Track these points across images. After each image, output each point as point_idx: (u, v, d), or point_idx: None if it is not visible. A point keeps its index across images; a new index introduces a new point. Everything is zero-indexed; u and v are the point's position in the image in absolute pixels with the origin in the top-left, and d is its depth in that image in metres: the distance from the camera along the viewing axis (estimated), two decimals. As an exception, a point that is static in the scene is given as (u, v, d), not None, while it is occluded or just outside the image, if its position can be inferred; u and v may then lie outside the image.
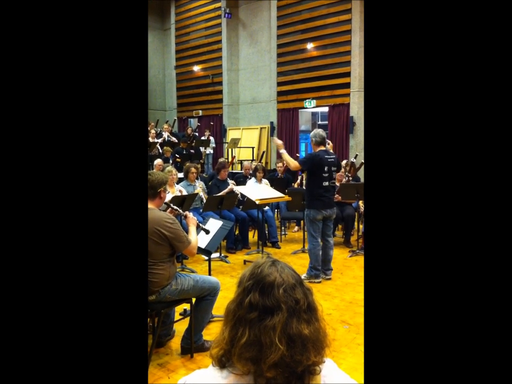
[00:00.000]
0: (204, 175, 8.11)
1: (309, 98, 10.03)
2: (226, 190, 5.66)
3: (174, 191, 5.15)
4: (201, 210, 5.40)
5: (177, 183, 5.52)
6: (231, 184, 5.79)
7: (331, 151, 4.57)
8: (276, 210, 6.94)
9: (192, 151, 9.28)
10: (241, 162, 9.66)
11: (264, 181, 6.22)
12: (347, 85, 9.31)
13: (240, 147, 11.01)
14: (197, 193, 5.37)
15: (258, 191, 5.15)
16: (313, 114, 11.96)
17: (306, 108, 10.28)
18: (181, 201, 4.54)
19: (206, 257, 4.19)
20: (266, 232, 5.85)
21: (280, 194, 5.19)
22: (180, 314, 3.32)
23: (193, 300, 2.81)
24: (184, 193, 5.15)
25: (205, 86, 12.88)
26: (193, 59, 13.15)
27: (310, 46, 9.92)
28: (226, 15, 11.51)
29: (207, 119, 12.65)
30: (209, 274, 3.62)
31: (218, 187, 5.79)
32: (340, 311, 3.59)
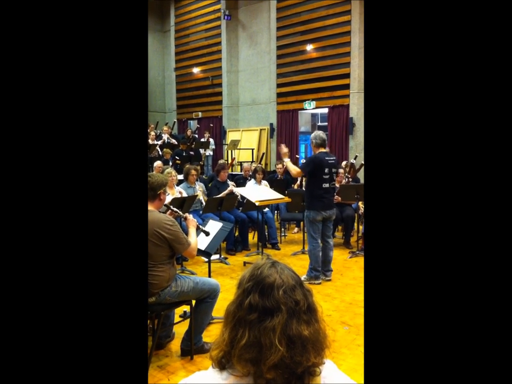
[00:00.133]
0: (203, 176, 8.11)
1: (308, 100, 10.04)
2: (226, 192, 5.66)
3: (173, 193, 5.15)
4: (201, 212, 5.40)
5: (177, 185, 5.52)
6: (231, 186, 5.79)
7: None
8: (276, 211, 6.94)
9: (191, 152, 9.28)
10: (241, 164, 9.67)
11: (264, 182, 6.22)
12: (347, 86, 9.32)
13: (239, 149, 11.02)
14: (197, 195, 5.37)
15: (258, 192, 5.15)
16: (313, 115, 11.97)
17: (306, 109, 10.30)
18: (181, 203, 4.54)
19: (206, 259, 4.19)
20: (266, 233, 5.85)
21: (280, 196, 5.19)
22: (180, 316, 3.32)
23: (193, 302, 2.81)
24: (184, 195, 5.15)
25: (204, 87, 12.90)
26: (192, 61, 13.17)
27: (309, 47, 9.93)
28: (226, 16, 11.53)
29: (206, 120, 12.66)
30: (209, 276, 3.61)
31: (218, 189, 5.79)
32: (339, 312, 3.59)
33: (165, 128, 10.68)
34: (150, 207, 2.64)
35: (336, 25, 9.49)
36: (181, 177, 6.22)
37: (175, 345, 2.96)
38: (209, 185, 6.41)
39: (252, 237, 6.34)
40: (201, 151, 10.19)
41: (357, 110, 9.14)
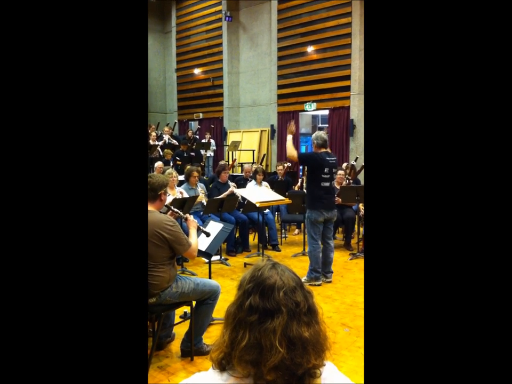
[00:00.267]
0: (204, 177, 8.12)
1: (309, 101, 10.04)
2: (227, 193, 5.66)
3: (174, 193, 5.15)
4: (201, 213, 5.40)
5: (177, 186, 5.52)
6: (232, 187, 5.79)
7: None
8: (276, 213, 6.94)
9: (192, 153, 9.29)
10: (241, 165, 9.67)
11: (264, 183, 6.23)
12: (347, 88, 9.32)
13: (240, 150, 11.02)
14: (198, 196, 5.36)
15: (258, 193, 5.15)
16: (314, 117, 11.96)
17: (307, 110, 10.30)
18: (182, 204, 4.54)
19: (207, 260, 4.19)
20: (267, 235, 5.85)
21: (281, 197, 5.19)
22: (180, 317, 3.32)
23: (194, 303, 2.81)
24: (185, 195, 5.15)
25: (205, 88, 12.90)
26: (194, 62, 13.18)
27: (310, 49, 9.94)
28: (227, 18, 11.54)
29: (207, 121, 12.67)
30: (210, 277, 3.62)
31: (218, 190, 5.80)
32: (340, 314, 3.58)
33: (166, 129, 10.69)
34: (150, 208, 2.64)
35: (336, 27, 9.50)
36: (181, 177, 6.21)
37: (175, 346, 2.95)
38: (210, 186, 6.41)
39: (253, 238, 6.34)
40: (202, 152, 10.19)
41: (357, 111, 9.14)
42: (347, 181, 6.17)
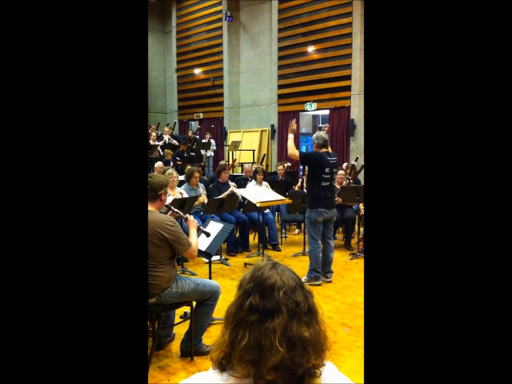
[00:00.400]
0: (204, 177, 8.12)
1: (309, 101, 10.04)
2: (227, 192, 5.66)
3: (174, 193, 5.15)
4: (201, 213, 5.40)
5: (178, 186, 5.52)
6: (232, 186, 5.79)
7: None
8: (277, 213, 6.94)
9: (192, 153, 9.29)
10: (241, 165, 9.67)
11: (264, 183, 6.22)
12: (348, 88, 9.32)
13: (240, 150, 11.02)
14: (198, 196, 5.36)
15: (258, 193, 5.15)
16: (314, 117, 11.96)
17: (307, 110, 10.30)
18: (182, 204, 4.54)
19: (207, 260, 4.19)
20: (267, 234, 5.85)
21: (281, 197, 5.19)
22: (180, 317, 3.32)
23: (194, 303, 2.81)
24: (185, 196, 5.15)
25: (205, 88, 12.91)
26: (194, 62, 13.18)
27: (310, 49, 9.94)
28: (227, 18, 11.54)
29: (207, 121, 12.67)
30: (210, 277, 3.62)
31: (219, 189, 5.79)
32: (340, 314, 3.58)
33: (166, 129, 10.69)
34: (150, 208, 2.65)
35: (337, 27, 9.50)
36: (182, 178, 6.21)
37: (176, 346, 2.95)
38: (210, 186, 6.41)
39: (253, 238, 6.35)
40: (202, 152, 10.19)
41: (358, 111, 9.14)
42: (347, 180, 6.17)
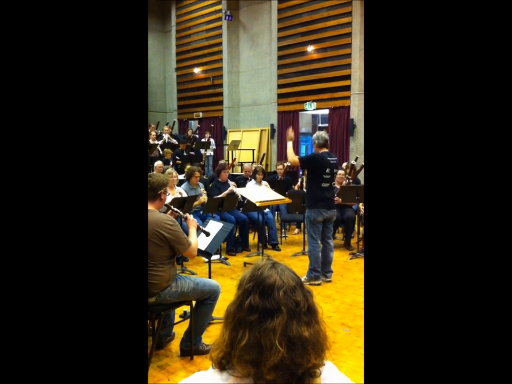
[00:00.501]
0: (204, 177, 8.12)
1: (309, 101, 10.04)
2: (226, 192, 5.66)
3: (174, 193, 5.15)
4: (201, 212, 5.40)
5: (177, 185, 5.52)
6: (232, 186, 5.78)
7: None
8: (276, 212, 6.94)
9: (192, 153, 9.28)
10: (241, 164, 9.66)
11: (264, 182, 6.22)
12: (347, 88, 9.32)
13: (240, 149, 11.02)
14: (198, 195, 5.36)
15: (258, 193, 5.15)
16: (314, 116, 11.96)
17: (307, 110, 10.29)
18: (181, 203, 4.54)
19: (206, 259, 4.19)
20: (267, 234, 5.85)
21: (281, 197, 5.18)
22: (180, 316, 3.32)
23: (193, 302, 2.81)
24: (184, 195, 5.15)
25: (205, 88, 12.90)
26: (193, 61, 13.18)
27: (310, 48, 9.93)
28: (227, 17, 11.53)
29: (207, 121, 12.66)
30: (209, 276, 3.62)
31: (218, 189, 5.79)
32: (340, 314, 3.59)
33: (166, 128, 10.68)
34: (150, 207, 2.64)
35: (337, 26, 9.49)
36: (181, 177, 6.21)
37: (175, 345, 2.95)
38: (210, 185, 6.41)
39: (252, 238, 6.34)
40: (202, 151, 10.19)
41: (357, 111, 9.14)
42: (347, 180, 6.17)
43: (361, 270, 4.73)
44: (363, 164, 6.63)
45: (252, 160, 10.26)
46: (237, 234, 5.90)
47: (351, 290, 4.15)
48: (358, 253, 5.42)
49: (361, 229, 5.85)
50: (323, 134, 4.36)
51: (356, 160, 6.86)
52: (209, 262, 3.65)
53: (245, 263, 5.08)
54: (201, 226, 3.10)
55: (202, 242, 3.18)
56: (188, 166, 6.26)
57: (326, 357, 0.95)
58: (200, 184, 5.83)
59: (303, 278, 4.08)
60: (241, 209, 5.72)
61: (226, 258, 5.29)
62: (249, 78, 11.82)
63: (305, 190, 5.03)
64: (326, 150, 4.32)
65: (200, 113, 13.07)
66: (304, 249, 5.49)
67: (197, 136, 11.19)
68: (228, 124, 12.15)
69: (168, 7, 13.96)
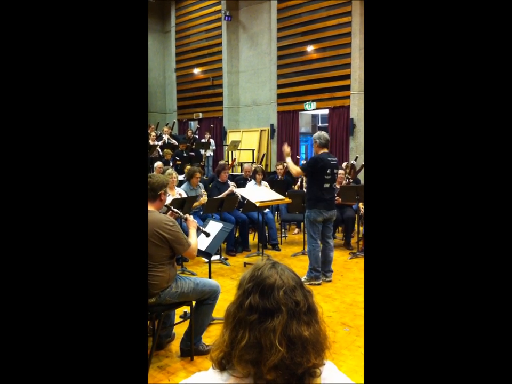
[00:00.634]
0: (204, 177, 8.12)
1: (309, 101, 10.04)
2: (226, 192, 5.66)
3: (174, 193, 5.15)
4: (201, 213, 5.40)
5: (177, 186, 5.52)
6: (232, 186, 5.79)
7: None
8: (276, 212, 6.94)
9: (192, 153, 9.28)
10: (241, 164, 9.66)
11: (264, 183, 6.23)
12: (347, 87, 9.32)
13: (240, 149, 11.02)
14: (197, 196, 5.36)
15: (258, 193, 5.15)
16: (314, 116, 11.97)
17: (307, 110, 10.29)
18: (181, 204, 4.54)
19: (206, 260, 4.19)
20: (267, 234, 5.85)
21: (281, 197, 5.19)
22: (180, 317, 3.32)
23: (194, 303, 2.81)
24: (184, 196, 5.15)
25: (205, 88, 12.90)
26: (193, 61, 13.17)
27: (310, 48, 9.94)
28: (226, 17, 11.53)
29: (207, 121, 12.66)
30: (209, 276, 3.62)
31: (218, 189, 5.79)
32: (340, 313, 3.59)
33: (165, 128, 10.68)
34: (150, 208, 2.65)
35: (336, 26, 9.49)
36: (181, 178, 6.20)
37: (175, 346, 2.95)
38: (210, 186, 6.41)
39: (252, 238, 6.35)
40: (202, 151, 10.19)
41: (357, 111, 9.14)
42: (347, 180, 6.17)
43: (361, 270, 4.73)
44: (363, 163, 6.63)
45: (251, 161, 10.26)
46: (237, 234, 5.90)
47: (351, 290, 4.15)
48: (358, 253, 5.42)
49: (361, 228, 5.85)
50: (325, 134, 4.35)
51: (355, 160, 6.86)
52: (209, 263, 3.65)
53: (245, 263, 5.08)
54: (201, 227, 3.10)
55: (202, 242, 3.18)
56: (188, 167, 6.26)
57: (326, 357, 0.95)
58: (201, 184, 5.83)
59: (303, 278, 4.08)
60: (241, 209, 5.72)
61: (226, 259, 5.29)
62: (249, 78, 11.82)
63: (305, 190, 5.03)
64: (326, 150, 4.31)
65: (200, 114, 13.07)
66: (304, 249, 5.49)
67: (197, 136, 11.19)
68: (228, 124, 12.15)
69: (167, 8, 13.95)
